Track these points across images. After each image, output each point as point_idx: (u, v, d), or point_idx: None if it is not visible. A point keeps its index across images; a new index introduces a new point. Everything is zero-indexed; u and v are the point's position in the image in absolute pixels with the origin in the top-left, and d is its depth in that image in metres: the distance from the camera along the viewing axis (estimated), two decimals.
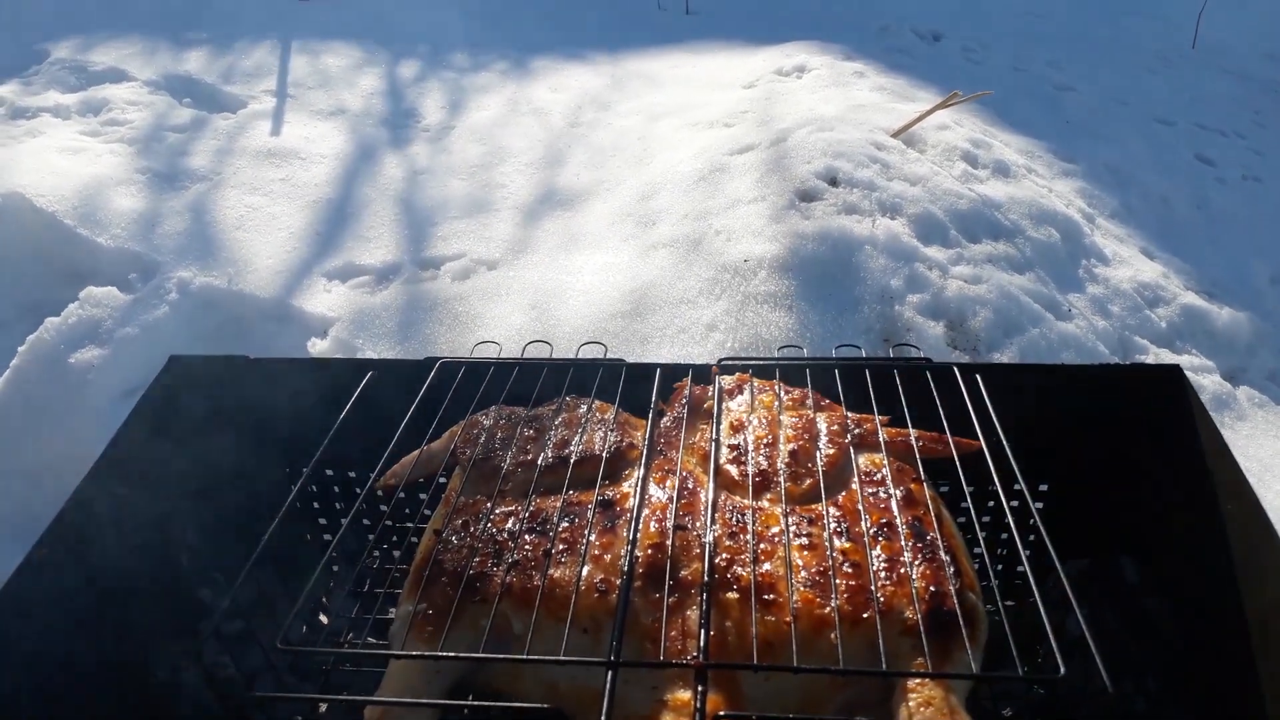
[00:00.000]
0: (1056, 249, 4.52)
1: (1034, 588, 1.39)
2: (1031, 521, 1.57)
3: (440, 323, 4.21)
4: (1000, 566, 1.95)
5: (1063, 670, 1.25)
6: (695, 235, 4.54)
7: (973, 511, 1.58)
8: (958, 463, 1.67)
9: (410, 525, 2.13)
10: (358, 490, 2.17)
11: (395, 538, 2.12)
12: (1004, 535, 1.87)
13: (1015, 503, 1.63)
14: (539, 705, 1.26)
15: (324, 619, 1.91)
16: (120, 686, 1.78)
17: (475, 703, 1.45)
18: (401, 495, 1.98)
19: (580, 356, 2.01)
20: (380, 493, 1.93)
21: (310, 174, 5.39)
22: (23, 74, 6.26)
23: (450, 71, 6.66)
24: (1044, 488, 1.69)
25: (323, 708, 1.72)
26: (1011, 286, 4.17)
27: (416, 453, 1.84)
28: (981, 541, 1.56)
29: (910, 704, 1.32)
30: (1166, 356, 4.11)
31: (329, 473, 2.15)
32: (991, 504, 1.94)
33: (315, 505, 2.18)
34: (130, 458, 1.98)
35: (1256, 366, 4.33)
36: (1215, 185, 5.53)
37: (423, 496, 2.11)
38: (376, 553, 2.15)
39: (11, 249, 4.50)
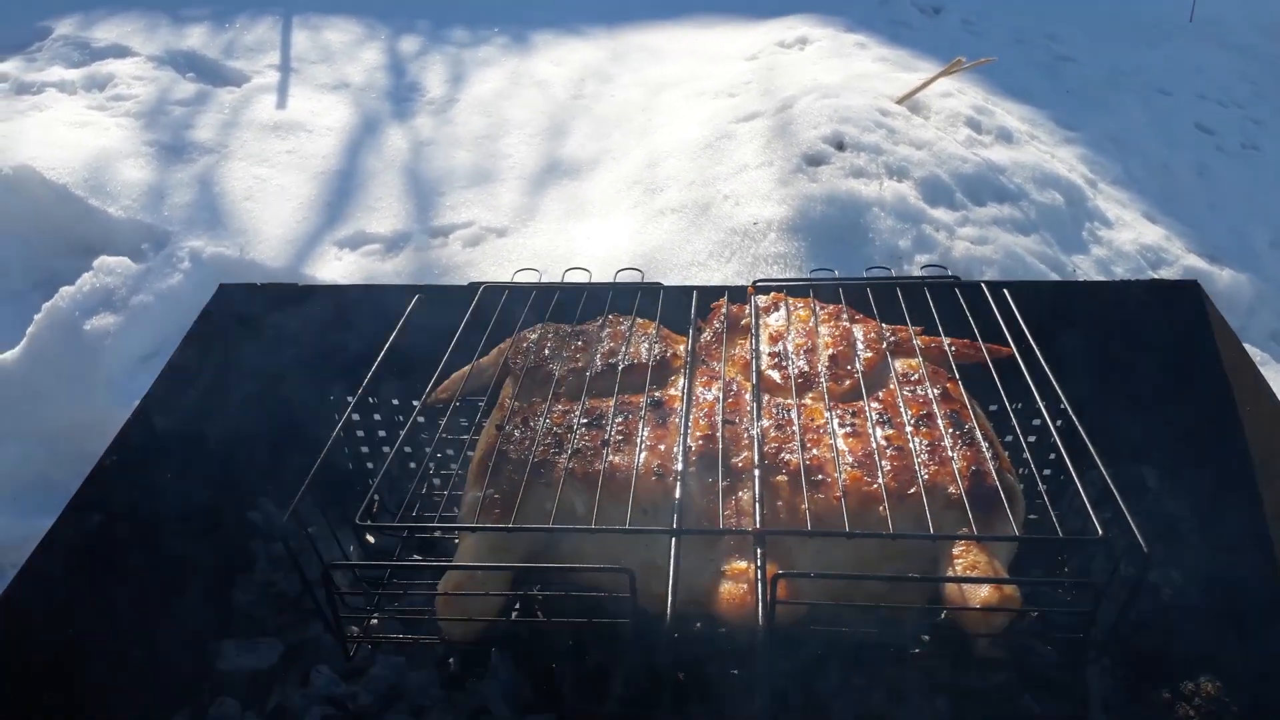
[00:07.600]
0: (1060, 212, 4.59)
1: (1070, 468, 1.46)
2: (1059, 422, 1.63)
3: None
4: (1048, 471, 2.02)
5: (1100, 532, 1.32)
6: (703, 200, 4.60)
7: (1008, 406, 1.65)
8: (990, 366, 1.74)
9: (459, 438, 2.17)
10: (399, 418, 2.23)
11: (449, 452, 2.15)
12: (1031, 437, 1.93)
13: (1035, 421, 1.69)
14: (614, 566, 1.32)
15: (370, 539, 1.96)
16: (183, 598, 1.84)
17: (554, 564, 1.52)
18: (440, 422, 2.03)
19: (618, 281, 2.08)
20: (422, 416, 1.97)
21: (316, 146, 5.42)
22: (25, 50, 6.26)
23: (450, 46, 6.70)
24: (1063, 406, 1.75)
25: (374, 621, 1.74)
26: (1017, 247, 4.24)
27: (467, 368, 1.90)
28: (1019, 433, 1.64)
29: (957, 568, 1.40)
30: None
31: (371, 400, 2.21)
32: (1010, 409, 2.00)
33: (358, 433, 2.24)
34: (182, 383, 2.03)
35: (1257, 327, 4.40)
36: (1215, 153, 5.61)
37: (464, 422, 2.17)
38: (411, 464, 2.18)
39: (23, 221, 4.51)
